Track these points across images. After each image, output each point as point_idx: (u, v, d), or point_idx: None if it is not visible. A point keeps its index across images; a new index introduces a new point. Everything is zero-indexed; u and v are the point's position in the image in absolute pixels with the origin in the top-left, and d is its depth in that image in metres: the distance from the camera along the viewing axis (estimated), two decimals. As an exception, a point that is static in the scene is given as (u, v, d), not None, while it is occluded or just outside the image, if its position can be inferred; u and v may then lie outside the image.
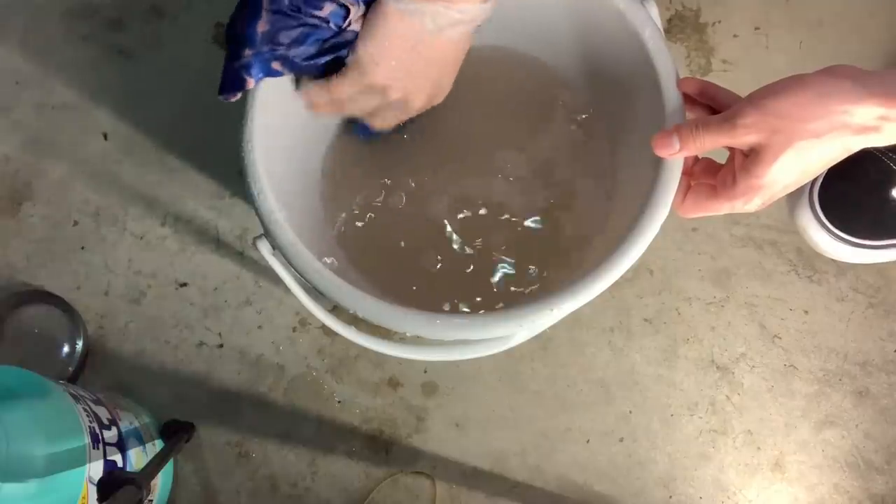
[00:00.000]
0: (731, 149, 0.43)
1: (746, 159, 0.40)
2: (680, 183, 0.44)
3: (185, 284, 0.63)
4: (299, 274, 0.43)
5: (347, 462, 0.61)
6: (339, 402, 0.61)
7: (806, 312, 0.63)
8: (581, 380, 0.62)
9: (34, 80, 0.66)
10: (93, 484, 0.44)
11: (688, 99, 0.46)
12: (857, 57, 0.66)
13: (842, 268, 0.64)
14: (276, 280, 0.62)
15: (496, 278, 0.53)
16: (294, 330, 0.62)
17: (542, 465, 0.61)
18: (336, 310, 0.48)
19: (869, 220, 0.59)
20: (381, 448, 0.61)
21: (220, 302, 0.63)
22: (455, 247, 0.54)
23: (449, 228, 0.54)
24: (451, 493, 0.60)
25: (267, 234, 0.43)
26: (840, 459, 0.61)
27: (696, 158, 0.45)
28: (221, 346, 0.62)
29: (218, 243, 0.63)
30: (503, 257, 0.53)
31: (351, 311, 0.42)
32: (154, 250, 0.63)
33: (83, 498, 0.44)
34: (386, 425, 0.61)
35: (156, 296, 0.63)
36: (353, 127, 0.53)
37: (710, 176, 0.44)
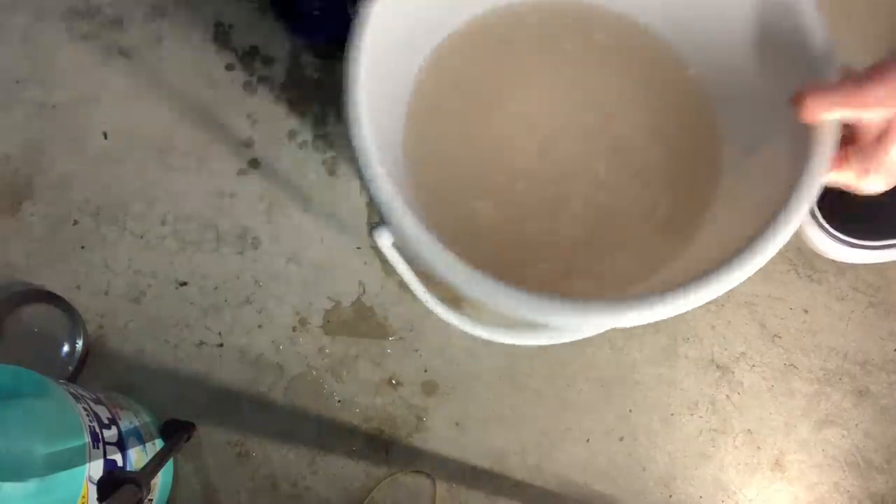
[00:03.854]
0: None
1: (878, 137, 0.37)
2: None
3: (185, 284, 0.63)
4: (427, 266, 0.38)
5: (347, 461, 0.61)
6: (339, 401, 0.61)
7: (806, 312, 0.63)
8: (581, 379, 0.62)
9: (34, 79, 0.66)
10: (93, 483, 0.44)
11: None
12: (859, 57, 0.66)
13: (842, 267, 0.64)
14: (276, 279, 0.62)
15: (604, 262, 0.49)
16: (294, 329, 0.62)
17: (542, 464, 0.61)
18: (450, 302, 0.45)
19: (867, 220, 0.59)
20: (381, 447, 0.61)
21: (220, 301, 0.63)
22: (552, 222, 0.50)
23: (549, 205, 0.50)
24: (451, 492, 0.60)
25: (386, 223, 0.39)
26: (840, 459, 0.61)
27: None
28: (221, 345, 0.62)
29: (218, 243, 0.64)
30: (611, 241, 0.50)
31: (491, 306, 0.37)
32: (154, 250, 0.63)
33: (83, 497, 0.43)
34: (386, 425, 0.61)
35: (156, 295, 0.63)
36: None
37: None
